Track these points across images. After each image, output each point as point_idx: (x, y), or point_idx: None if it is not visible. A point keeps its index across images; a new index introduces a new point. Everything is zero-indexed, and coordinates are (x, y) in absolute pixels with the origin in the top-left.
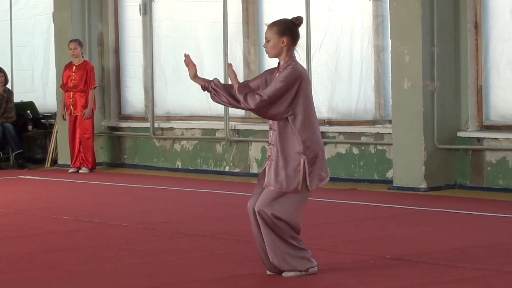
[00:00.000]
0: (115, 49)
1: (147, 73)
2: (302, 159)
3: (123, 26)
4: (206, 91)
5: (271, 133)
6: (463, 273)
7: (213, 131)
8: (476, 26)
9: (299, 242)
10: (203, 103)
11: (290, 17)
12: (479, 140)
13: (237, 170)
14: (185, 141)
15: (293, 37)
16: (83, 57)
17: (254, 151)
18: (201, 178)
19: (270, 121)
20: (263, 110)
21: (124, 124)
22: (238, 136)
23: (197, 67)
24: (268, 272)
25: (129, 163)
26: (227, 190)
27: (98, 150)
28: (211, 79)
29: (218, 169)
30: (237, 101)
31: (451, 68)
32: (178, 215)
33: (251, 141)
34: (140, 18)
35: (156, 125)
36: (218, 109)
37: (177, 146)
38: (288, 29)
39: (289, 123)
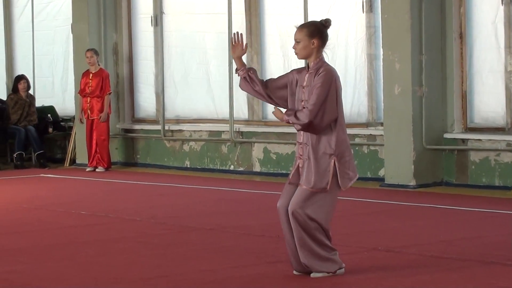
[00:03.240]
0: (128, 58)
1: (158, 79)
2: (333, 160)
3: (136, 37)
4: (238, 75)
5: (301, 132)
6: (449, 263)
7: (219, 133)
8: (461, 36)
9: (329, 243)
10: (210, 107)
11: (319, 19)
12: (463, 141)
13: (241, 169)
14: (193, 142)
15: (323, 39)
16: (99, 65)
17: (257, 151)
18: (208, 176)
19: None
20: (316, 121)
21: (137, 127)
22: (242, 138)
23: (242, 50)
24: (295, 273)
25: (141, 162)
26: (232, 187)
27: (113, 150)
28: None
29: (223, 168)
30: (266, 97)
31: (438, 75)
32: (187, 210)
33: (254, 142)
34: (151, 29)
35: (166, 128)
36: (224, 112)
37: (185, 147)
38: (318, 31)
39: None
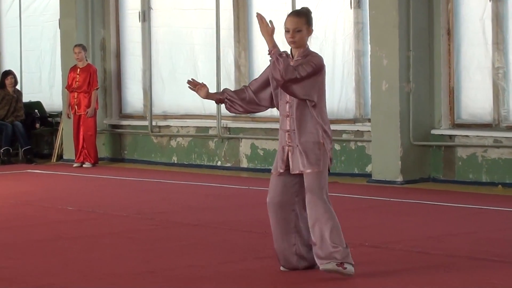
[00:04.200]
0: (116, 53)
1: (145, 75)
2: (322, 141)
3: (123, 32)
4: (221, 104)
5: (287, 120)
6: (436, 259)
7: (206, 128)
8: (449, 33)
9: (343, 238)
10: (197, 103)
11: (304, 6)
12: (451, 137)
13: (228, 164)
14: (181, 138)
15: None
16: (86, 60)
17: (244, 147)
18: (195, 172)
19: (287, 108)
20: (289, 85)
21: (124, 122)
22: (229, 134)
23: (204, 85)
24: (282, 269)
25: (129, 158)
26: (219, 183)
27: (100, 146)
28: (221, 91)
29: (211, 163)
30: (253, 103)
31: (425, 71)
32: (174, 206)
33: (241, 138)
34: (139, 24)
35: (154, 123)
36: (211, 108)
37: (173, 143)
38: (311, 19)
39: (308, 110)
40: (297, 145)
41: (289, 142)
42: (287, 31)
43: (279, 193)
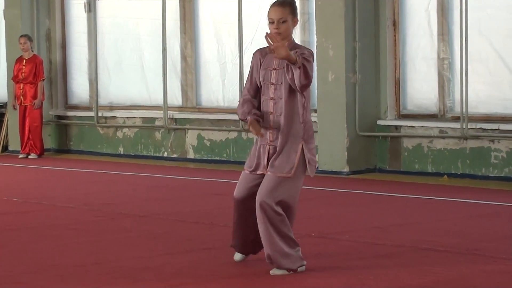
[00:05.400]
0: (62, 44)
1: (91, 66)
2: (301, 144)
3: (69, 23)
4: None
5: (270, 117)
6: (382, 249)
7: (153, 119)
8: (394, 24)
9: (293, 236)
10: (144, 94)
11: None
12: (396, 127)
13: (174, 155)
14: (127, 129)
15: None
16: (32, 51)
17: (191, 138)
18: (142, 163)
19: (272, 104)
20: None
21: (70, 113)
22: (176, 124)
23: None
24: (236, 257)
25: (75, 149)
26: (166, 174)
27: (46, 137)
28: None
29: (157, 154)
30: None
31: (371, 62)
32: (121, 197)
33: (188, 129)
34: (85, 15)
35: (100, 114)
36: (158, 99)
37: (119, 134)
38: (296, 8)
39: (295, 106)
40: (277, 145)
41: (271, 141)
42: (271, 22)
43: (246, 189)
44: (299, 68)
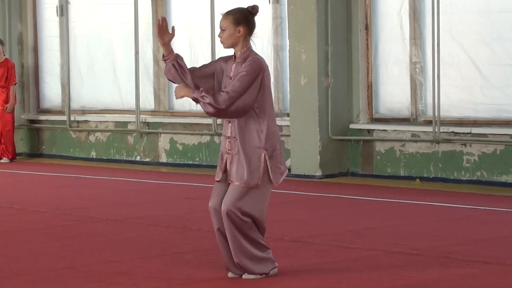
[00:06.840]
0: (34, 48)
1: (63, 70)
2: (263, 153)
3: (41, 27)
4: (165, 62)
5: (229, 126)
6: (355, 253)
7: (125, 123)
8: (367, 28)
9: (263, 241)
10: (116, 97)
11: (245, 6)
12: (369, 131)
13: (147, 159)
14: (99, 133)
15: (250, 27)
16: (4, 55)
17: (163, 142)
18: (114, 167)
19: None
20: (232, 109)
21: (42, 117)
22: (148, 128)
23: (171, 35)
24: (230, 275)
25: (47, 153)
26: (138, 178)
27: (18, 141)
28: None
29: (129, 158)
30: (194, 87)
31: (344, 65)
32: (93, 201)
33: (160, 133)
34: (57, 19)
35: (72, 118)
36: (130, 103)
37: (91, 138)
38: (244, 18)
39: (251, 116)
40: (236, 154)
41: (229, 150)
42: None
43: (219, 199)
44: (197, 103)
